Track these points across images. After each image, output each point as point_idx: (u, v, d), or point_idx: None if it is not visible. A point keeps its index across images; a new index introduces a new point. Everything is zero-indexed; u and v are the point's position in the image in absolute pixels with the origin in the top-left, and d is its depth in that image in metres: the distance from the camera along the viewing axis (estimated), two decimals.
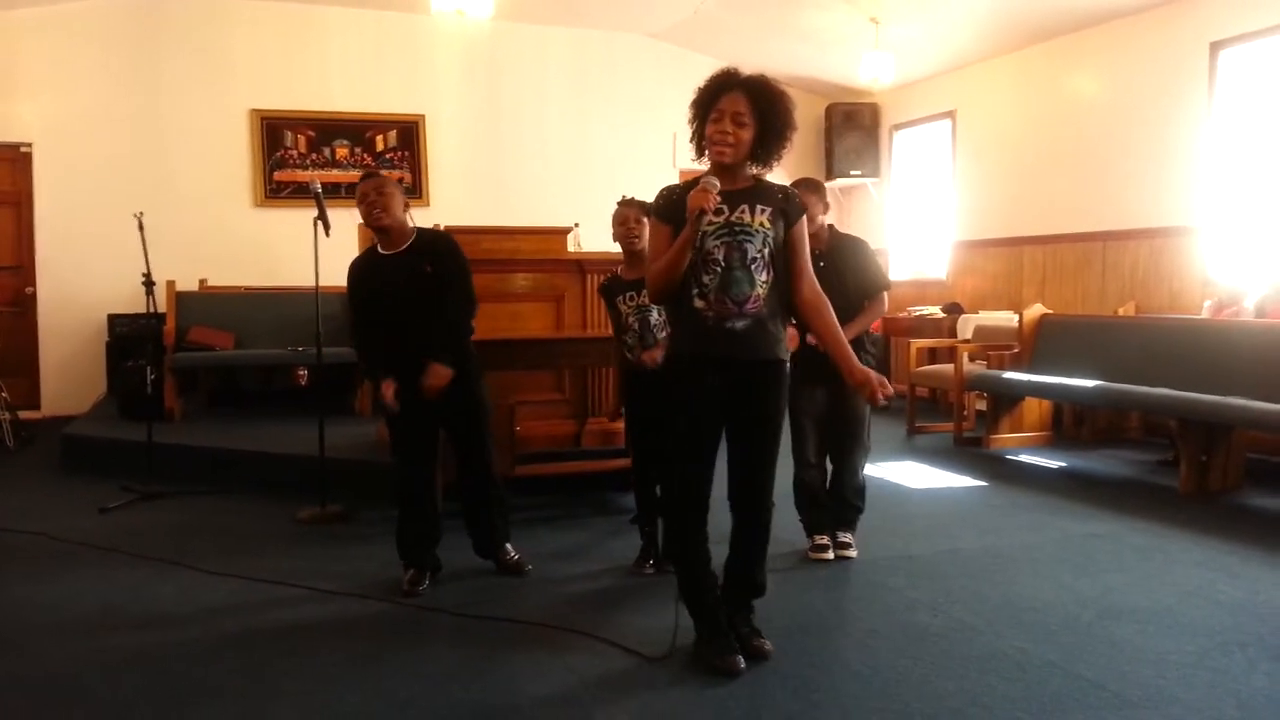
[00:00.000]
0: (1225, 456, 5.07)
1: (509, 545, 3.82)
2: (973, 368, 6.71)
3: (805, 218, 2.90)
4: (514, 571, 3.74)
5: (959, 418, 6.68)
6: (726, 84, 2.79)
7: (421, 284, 3.55)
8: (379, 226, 3.59)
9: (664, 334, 3.70)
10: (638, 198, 3.86)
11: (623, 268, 3.88)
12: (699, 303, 2.78)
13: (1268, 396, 4.78)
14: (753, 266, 2.75)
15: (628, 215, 3.76)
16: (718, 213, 2.74)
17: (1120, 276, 7.27)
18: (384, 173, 3.89)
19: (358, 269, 3.69)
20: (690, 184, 2.81)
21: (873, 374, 2.80)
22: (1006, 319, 7.40)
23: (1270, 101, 6.32)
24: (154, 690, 2.76)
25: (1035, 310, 6.68)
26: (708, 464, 2.85)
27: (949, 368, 6.96)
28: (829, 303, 2.88)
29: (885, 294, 3.97)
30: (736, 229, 2.75)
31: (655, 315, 3.72)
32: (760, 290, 2.77)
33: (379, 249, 3.65)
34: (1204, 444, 5.04)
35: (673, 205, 2.80)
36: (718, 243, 2.75)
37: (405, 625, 3.27)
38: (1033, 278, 8.03)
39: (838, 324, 2.88)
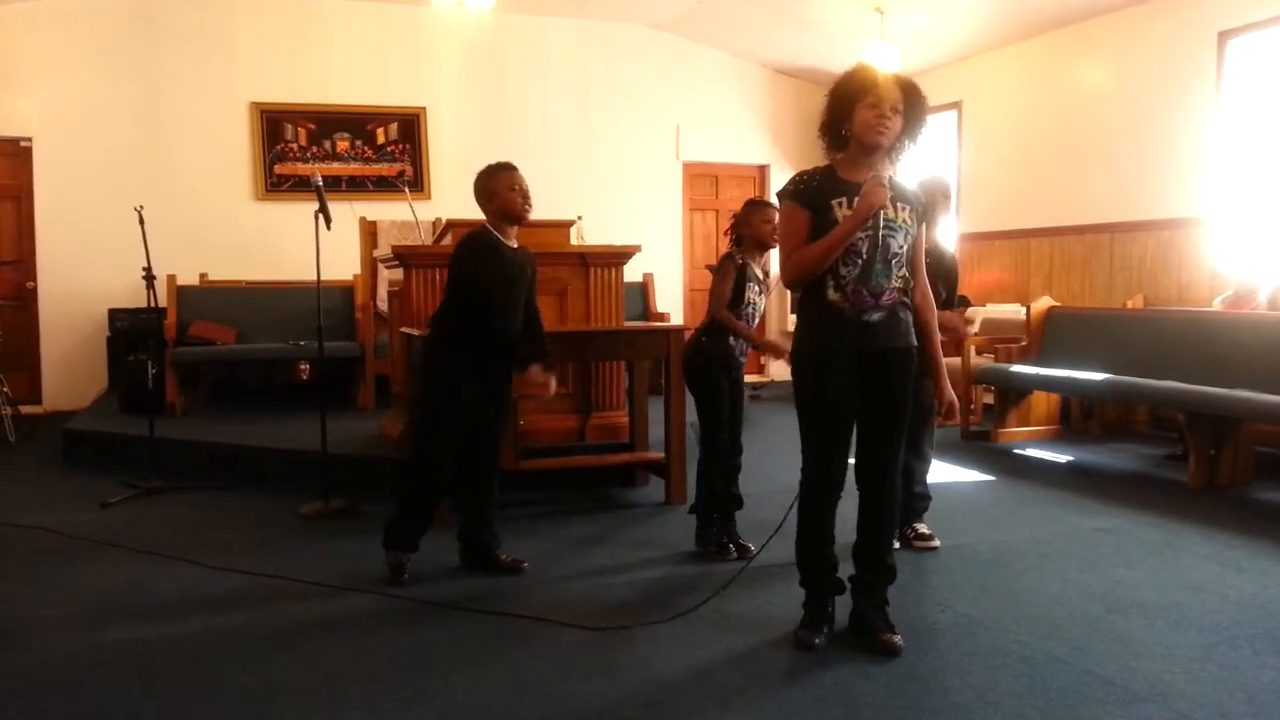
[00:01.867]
0: (1234, 450, 5.04)
1: (499, 550, 3.76)
2: (980, 361, 6.67)
3: (928, 223, 2.99)
4: (512, 571, 3.70)
5: (966, 411, 6.64)
6: (877, 75, 2.80)
7: (530, 284, 3.71)
8: (524, 219, 3.61)
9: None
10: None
11: (743, 253, 3.84)
12: (834, 295, 2.81)
13: (1277, 389, 4.75)
14: (894, 261, 2.82)
15: (774, 216, 3.74)
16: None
17: (1128, 268, 7.23)
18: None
19: (495, 250, 3.55)
20: (823, 170, 2.87)
21: (952, 400, 2.94)
22: (1014, 311, 7.37)
23: (1278, 91, 6.27)
24: (155, 685, 2.74)
25: (1043, 303, 6.65)
26: (846, 449, 2.90)
27: (956, 361, 6.91)
28: (935, 310, 2.98)
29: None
30: (884, 223, 2.78)
31: (758, 320, 3.87)
32: (896, 284, 2.84)
33: (500, 237, 3.60)
34: (1213, 437, 5.01)
35: (811, 191, 2.83)
36: (862, 235, 2.77)
37: (408, 619, 3.25)
38: (1040, 270, 8.00)
39: (938, 335, 2.97)
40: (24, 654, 2.99)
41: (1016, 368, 6.31)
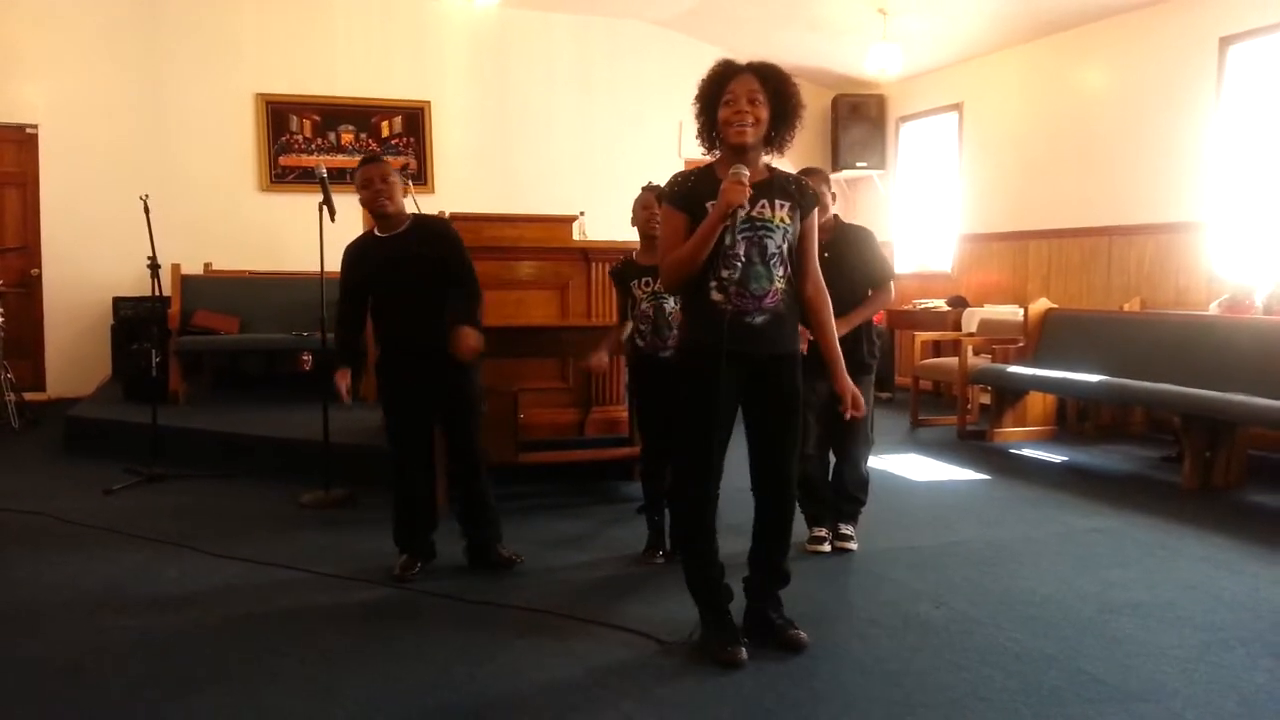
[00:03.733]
0: (1228, 453, 5.07)
1: (499, 545, 3.75)
2: (977, 361, 6.70)
3: (817, 211, 2.90)
4: (509, 565, 3.70)
5: (963, 411, 6.68)
6: (733, 69, 2.78)
7: (420, 267, 3.55)
8: (383, 214, 3.59)
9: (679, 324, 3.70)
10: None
11: (638, 253, 3.85)
12: (716, 295, 2.76)
13: (1271, 393, 4.77)
14: (772, 262, 2.76)
15: (653, 201, 3.72)
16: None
17: (1126, 271, 7.26)
18: (386, 158, 3.88)
19: (353, 252, 3.69)
20: (702, 171, 2.81)
21: (853, 392, 2.88)
22: (1011, 313, 7.40)
23: (1278, 98, 6.30)
24: (156, 671, 2.77)
25: (1040, 304, 6.67)
26: (719, 453, 2.84)
27: (953, 361, 6.95)
28: (830, 303, 2.90)
29: (890, 285, 3.96)
30: (758, 224, 2.75)
31: (671, 303, 3.69)
32: (779, 285, 2.78)
33: (375, 233, 3.66)
34: (1207, 440, 5.04)
35: (687, 193, 2.79)
36: (739, 237, 2.73)
37: (408, 610, 3.28)
38: (1038, 272, 8.02)
39: (834, 327, 2.91)
40: (26, 640, 3.02)
41: (1013, 368, 6.34)
